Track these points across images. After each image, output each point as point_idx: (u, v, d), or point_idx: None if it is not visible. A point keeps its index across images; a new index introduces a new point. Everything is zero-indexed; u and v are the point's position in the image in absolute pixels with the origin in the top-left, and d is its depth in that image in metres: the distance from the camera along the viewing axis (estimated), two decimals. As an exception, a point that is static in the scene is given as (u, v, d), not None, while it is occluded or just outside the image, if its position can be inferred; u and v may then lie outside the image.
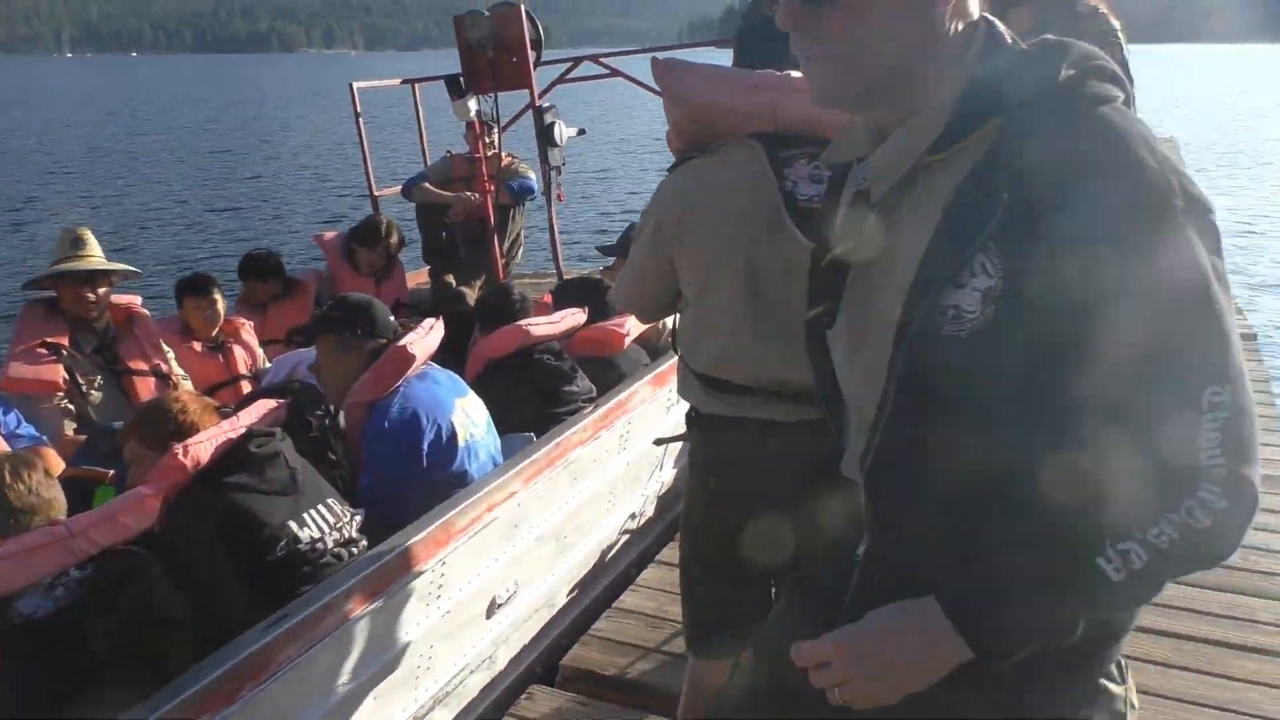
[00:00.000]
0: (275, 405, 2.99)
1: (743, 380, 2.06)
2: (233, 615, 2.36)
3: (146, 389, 4.18)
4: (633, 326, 4.09)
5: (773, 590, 2.29)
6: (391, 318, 3.29)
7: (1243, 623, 3.35)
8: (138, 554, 2.33)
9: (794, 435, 2.03)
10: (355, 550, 2.76)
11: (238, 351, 4.71)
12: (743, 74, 1.99)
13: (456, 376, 3.31)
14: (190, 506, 2.55)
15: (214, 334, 4.66)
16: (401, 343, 3.05)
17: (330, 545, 2.70)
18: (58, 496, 2.35)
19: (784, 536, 2.12)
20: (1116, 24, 3.14)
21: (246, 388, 4.59)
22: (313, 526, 2.69)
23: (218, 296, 4.65)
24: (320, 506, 2.77)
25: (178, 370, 4.36)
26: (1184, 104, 40.15)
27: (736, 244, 1.98)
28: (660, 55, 2.06)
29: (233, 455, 2.65)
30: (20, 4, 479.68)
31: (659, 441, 3.10)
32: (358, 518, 2.92)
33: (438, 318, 3.36)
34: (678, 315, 2.24)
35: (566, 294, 4.30)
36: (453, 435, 3.05)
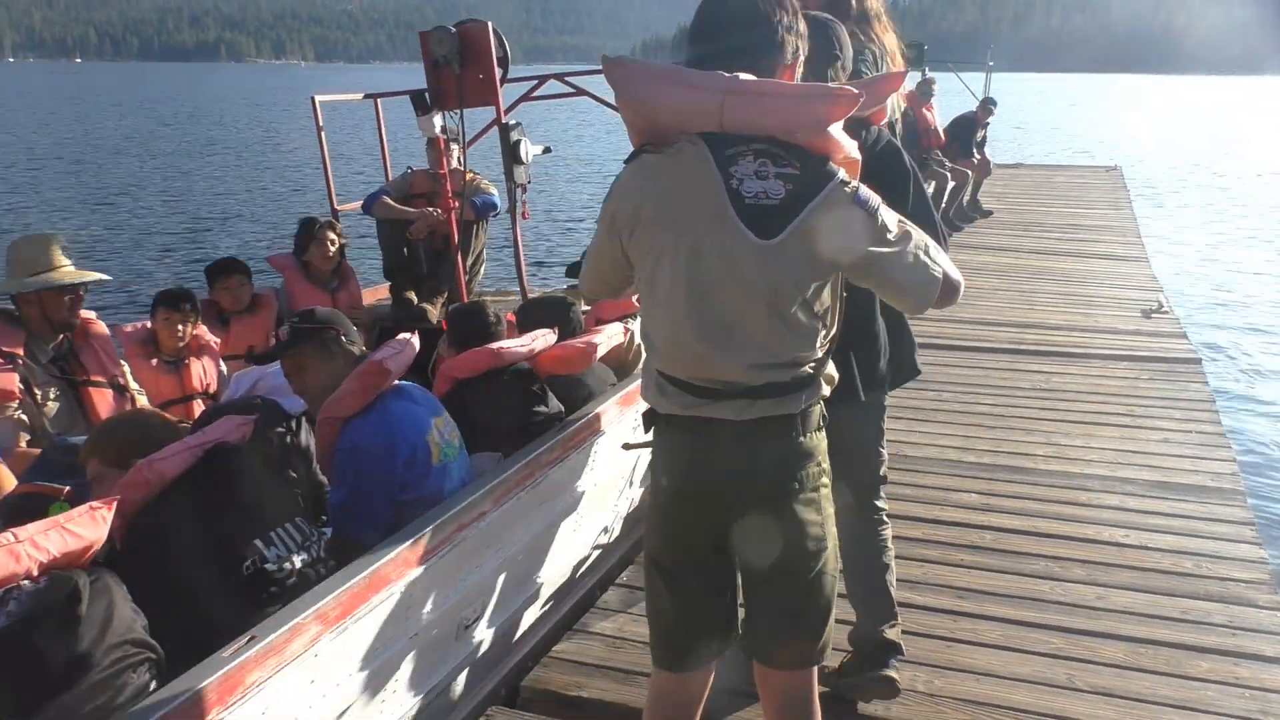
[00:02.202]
0: (241, 421, 2.94)
1: (687, 376, 2.07)
2: (198, 636, 2.31)
3: (103, 401, 4.11)
4: (601, 343, 4.08)
5: (736, 599, 2.28)
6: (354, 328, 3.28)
7: (1199, 625, 3.46)
8: (98, 570, 2.27)
9: (739, 432, 2.04)
10: (323, 570, 2.72)
11: (195, 368, 4.67)
12: (688, 73, 1.98)
13: (431, 395, 3.28)
14: (153, 524, 2.50)
15: (178, 348, 4.60)
16: (377, 357, 3.00)
17: (297, 564, 2.66)
18: None
19: (737, 537, 2.14)
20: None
21: (200, 406, 4.53)
22: (279, 545, 2.66)
23: (191, 313, 4.63)
24: (288, 525, 2.73)
25: (134, 384, 4.29)
26: (1142, 133, 41.07)
27: (681, 238, 1.99)
28: (612, 58, 2.05)
29: (197, 472, 2.60)
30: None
31: (627, 447, 3.10)
32: (325, 536, 2.88)
33: (400, 334, 3.33)
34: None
35: (532, 312, 4.28)
36: (427, 455, 3.00)
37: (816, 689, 2.29)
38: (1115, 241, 11.28)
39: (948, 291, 2.04)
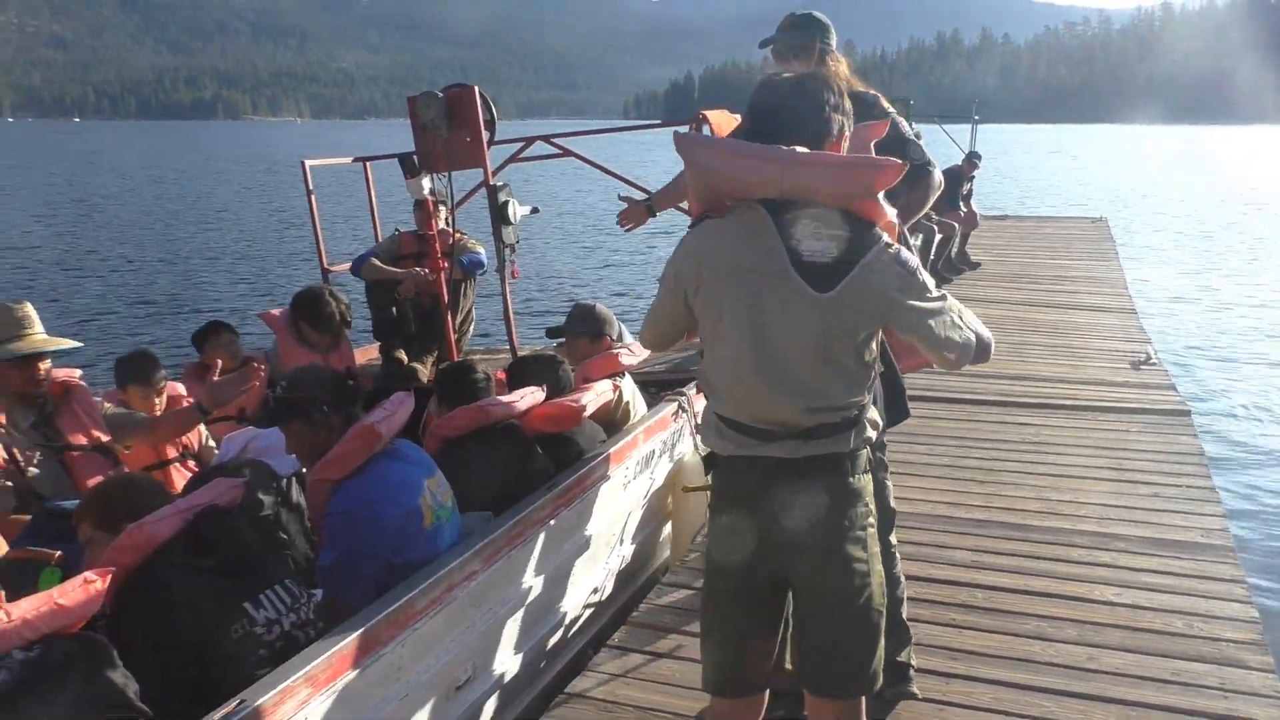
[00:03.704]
0: (232, 484, 2.95)
1: (746, 419, 2.29)
2: (187, 699, 2.30)
3: (88, 463, 4.08)
4: (590, 401, 4.10)
5: (789, 631, 2.46)
6: (350, 381, 3.27)
7: (1190, 687, 3.42)
8: (89, 637, 2.26)
9: (799, 470, 2.26)
10: (312, 632, 2.72)
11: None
12: (754, 147, 2.22)
13: (425, 454, 3.29)
14: (143, 588, 2.50)
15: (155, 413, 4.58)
16: (369, 421, 3.00)
17: (287, 627, 2.66)
18: None
19: (791, 571, 2.34)
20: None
21: (178, 469, 4.49)
22: (269, 607, 2.66)
23: (161, 383, 4.60)
24: (277, 587, 2.74)
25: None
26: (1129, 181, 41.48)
27: (745, 292, 2.23)
28: (681, 130, 2.41)
29: (187, 535, 2.61)
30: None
31: (687, 490, 3.17)
32: (314, 598, 2.88)
33: (391, 394, 3.33)
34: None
35: (522, 370, 4.30)
36: (419, 519, 3.00)
37: (864, 718, 2.46)
38: (1103, 292, 11.36)
39: (981, 350, 2.33)
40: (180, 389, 4.86)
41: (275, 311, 6.05)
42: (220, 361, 5.04)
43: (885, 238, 2.23)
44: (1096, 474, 5.48)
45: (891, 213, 2.27)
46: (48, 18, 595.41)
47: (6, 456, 3.88)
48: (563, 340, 5.09)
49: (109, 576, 2.34)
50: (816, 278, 2.16)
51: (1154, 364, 8.00)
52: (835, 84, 2.35)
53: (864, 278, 2.17)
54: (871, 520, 2.35)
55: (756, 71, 3.90)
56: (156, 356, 4.81)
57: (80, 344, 4.25)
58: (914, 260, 2.25)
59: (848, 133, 2.36)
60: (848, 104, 2.36)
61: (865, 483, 2.34)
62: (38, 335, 3.98)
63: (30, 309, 4.02)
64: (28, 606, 2.12)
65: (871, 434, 2.33)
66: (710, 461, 2.45)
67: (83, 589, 2.25)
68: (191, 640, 2.43)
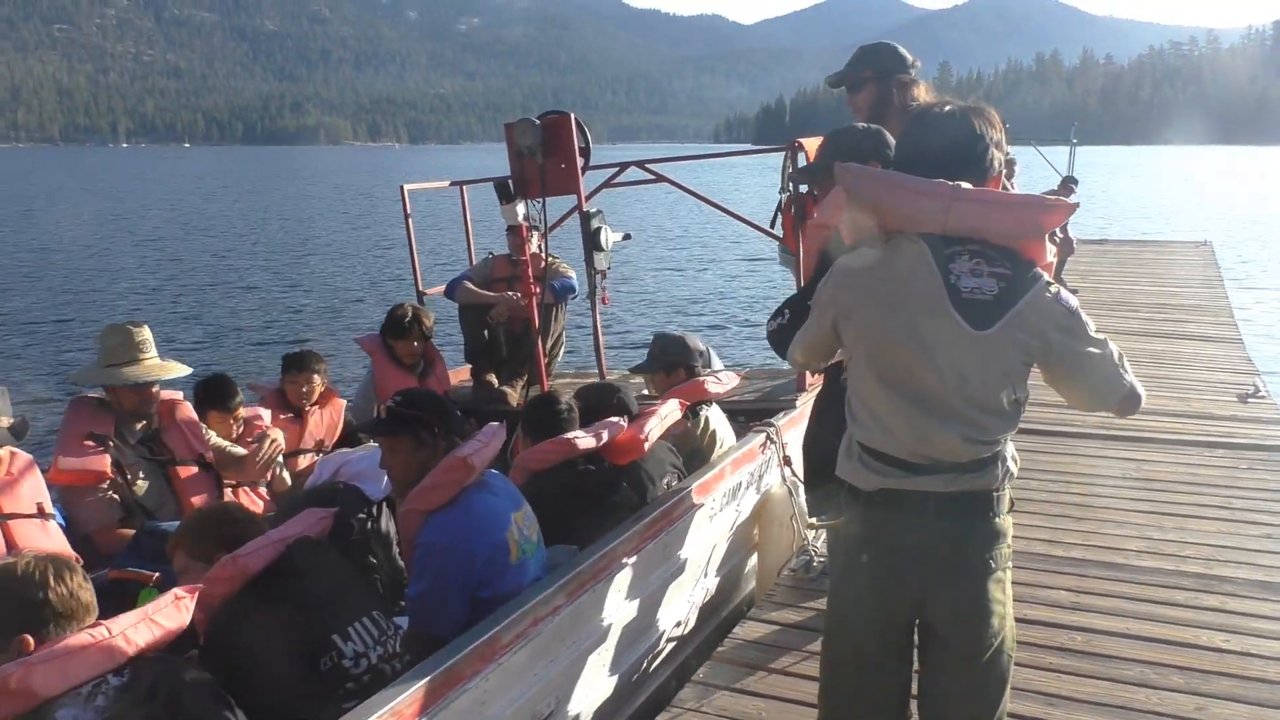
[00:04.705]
0: (323, 515, 3.00)
1: (897, 451, 2.25)
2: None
3: (190, 479, 4.23)
4: (652, 429, 4.03)
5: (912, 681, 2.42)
6: (459, 413, 3.29)
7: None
8: (167, 659, 2.29)
9: (948, 505, 2.23)
10: (398, 665, 2.74)
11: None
12: (918, 181, 2.19)
13: (511, 485, 3.30)
14: (235, 618, 2.55)
15: (233, 437, 4.69)
16: (462, 454, 3.01)
17: (374, 660, 2.69)
18: (93, 601, 2.26)
19: (932, 611, 2.32)
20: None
21: (247, 493, 4.56)
22: (356, 640, 2.69)
23: (238, 408, 4.70)
24: (365, 619, 2.76)
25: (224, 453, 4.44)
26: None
27: (898, 325, 2.21)
28: (846, 167, 2.33)
29: (279, 566, 2.65)
30: (79, 97, 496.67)
31: (814, 526, 3.13)
32: (400, 630, 2.90)
33: (480, 417, 3.35)
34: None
35: (584, 400, 4.24)
36: (506, 554, 3.01)
37: None
38: (1207, 321, 10.95)
39: (1132, 400, 2.26)
40: (260, 412, 4.94)
41: (369, 335, 6.13)
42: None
43: (1045, 278, 2.21)
44: (1203, 512, 5.26)
45: (1051, 252, 2.25)
46: (163, 48, 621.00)
47: (115, 470, 4.03)
48: (642, 380, 5.08)
49: (196, 593, 2.39)
50: (974, 314, 2.14)
51: (1262, 396, 7.66)
52: (994, 119, 2.31)
53: (1023, 317, 2.15)
54: (1010, 564, 2.33)
55: (847, 97, 3.89)
56: (233, 381, 4.88)
57: (191, 370, 4.38)
58: (1074, 301, 2.22)
59: (1003, 170, 2.32)
60: (1005, 140, 2.33)
61: (1008, 524, 2.32)
62: (152, 360, 4.15)
63: (148, 333, 4.19)
64: (126, 623, 2.18)
65: (1014, 470, 2.30)
66: (850, 498, 2.37)
67: (174, 606, 2.31)
68: (281, 671, 2.46)
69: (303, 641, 2.54)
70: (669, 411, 4.22)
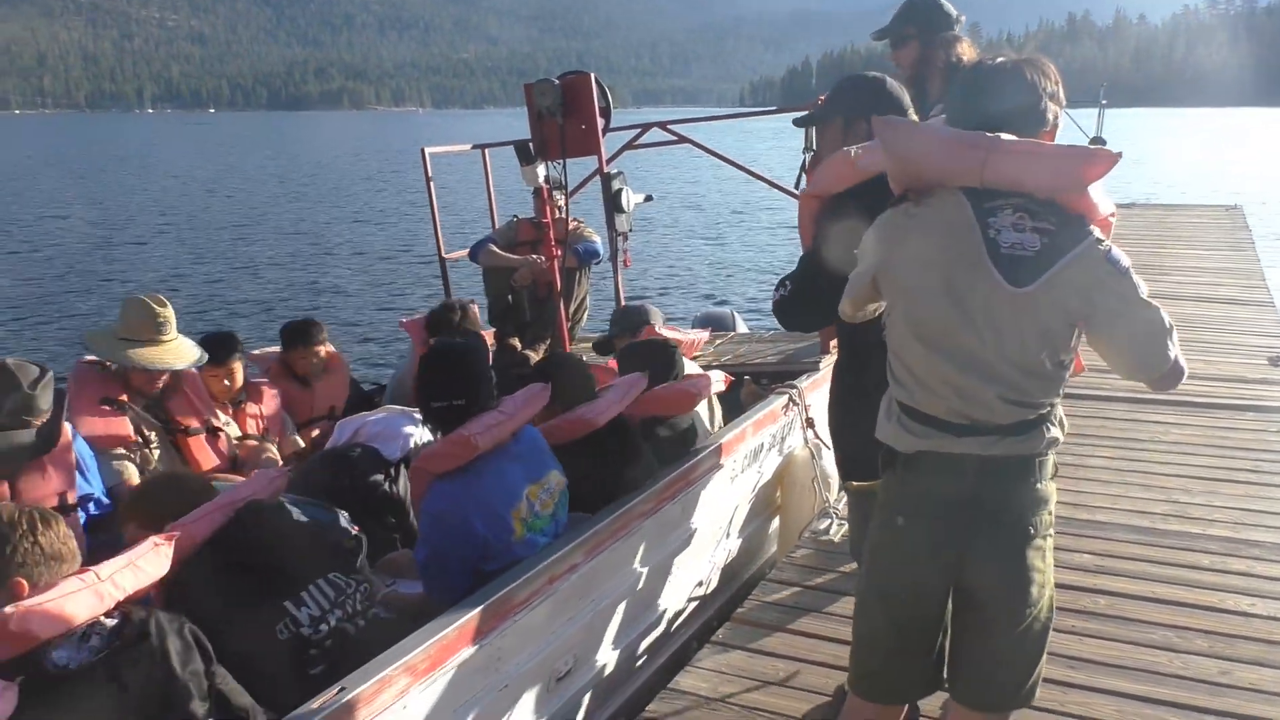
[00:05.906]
0: (275, 475, 2.94)
1: (938, 412, 2.18)
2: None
3: (198, 445, 4.23)
4: (706, 387, 4.07)
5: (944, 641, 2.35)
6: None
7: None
8: (151, 605, 2.29)
9: (990, 469, 2.15)
10: (361, 622, 2.68)
11: (250, 412, 4.69)
12: (955, 133, 2.13)
13: (543, 448, 3.23)
14: (185, 590, 2.47)
15: (234, 397, 4.66)
16: (468, 432, 2.91)
17: (333, 623, 2.62)
18: (77, 550, 2.22)
19: (970, 575, 2.24)
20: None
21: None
22: (312, 604, 2.62)
23: (236, 365, 4.63)
24: (321, 583, 2.68)
25: (233, 431, 4.42)
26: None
27: (936, 280, 2.13)
28: (884, 119, 2.23)
29: (229, 532, 2.58)
30: (105, 64, 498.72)
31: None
32: (364, 586, 2.80)
33: (502, 381, 3.31)
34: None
35: (632, 357, 4.27)
36: (508, 533, 2.96)
37: None
38: (1237, 284, 10.76)
39: (1173, 376, 2.15)
40: (265, 386, 4.87)
41: (415, 319, 5.96)
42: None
43: (1097, 233, 2.10)
44: (1230, 476, 5.19)
45: (1109, 207, 2.15)
46: (188, 13, 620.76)
47: (135, 434, 4.03)
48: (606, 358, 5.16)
49: (174, 540, 2.38)
50: (1014, 271, 2.05)
51: (1295, 361, 7.55)
52: (1049, 70, 2.19)
53: (1066, 274, 2.05)
54: (1052, 531, 2.25)
55: (876, 55, 3.85)
56: (235, 339, 4.75)
57: (204, 354, 4.30)
58: (1126, 261, 2.10)
59: (1060, 124, 2.22)
60: (1063, 93, 2.22)
61: (1052, 489, 2.23)
62: (169, 343, 4.10)
63: (170, 312, 4.13)
64: (113, 568, 2.19)
65: (1060, 436, 2.20)
66: (888, 460, 2.31)
67: (154, 552, 2.31)
68: (239, 647, 2.38)
69: (251, 609, 2.46)
70: (717, 379, 4.43)
